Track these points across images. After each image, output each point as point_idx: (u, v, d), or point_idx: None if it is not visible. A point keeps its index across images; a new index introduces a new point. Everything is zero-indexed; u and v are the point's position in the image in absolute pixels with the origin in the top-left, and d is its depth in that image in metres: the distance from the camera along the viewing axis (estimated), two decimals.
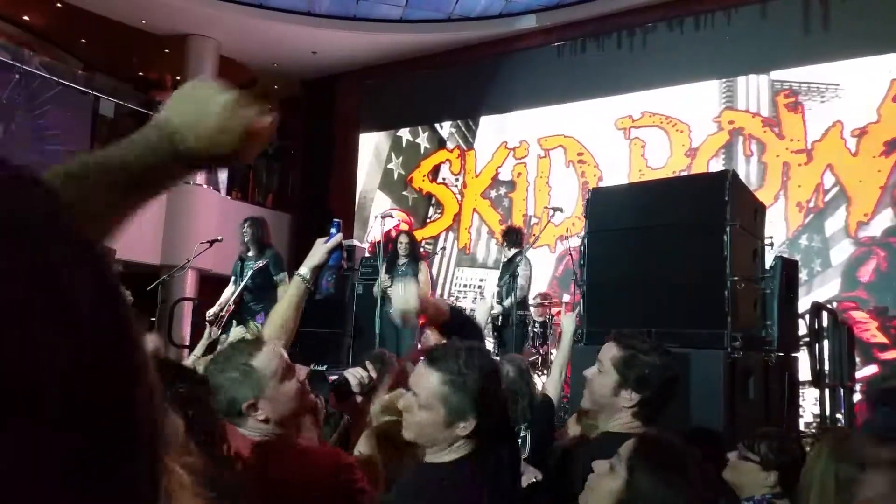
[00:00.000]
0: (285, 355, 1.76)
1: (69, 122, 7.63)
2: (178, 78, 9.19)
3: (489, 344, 6.42)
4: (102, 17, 8.68)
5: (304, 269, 2.02)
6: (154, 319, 6.75)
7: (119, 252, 5.50)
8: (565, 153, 8.65)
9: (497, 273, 6.98)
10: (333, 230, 2.09)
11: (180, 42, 9.16)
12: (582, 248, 3.37)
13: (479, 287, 8.52)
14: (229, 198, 9.49)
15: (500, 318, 6.05)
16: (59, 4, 8.71)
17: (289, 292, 2.02)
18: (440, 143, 9.72)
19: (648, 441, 1.51)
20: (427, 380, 1.59)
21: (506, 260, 6.48)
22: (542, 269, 7.95)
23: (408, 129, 10.00)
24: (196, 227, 8.15)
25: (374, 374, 2.07)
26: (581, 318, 3.27)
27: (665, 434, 1.62)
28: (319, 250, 2.04)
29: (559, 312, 6.30)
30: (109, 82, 8.98)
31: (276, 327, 1.96)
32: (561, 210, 6.40)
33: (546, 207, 7.33)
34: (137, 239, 7.83)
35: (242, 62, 9.91)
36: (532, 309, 6.36)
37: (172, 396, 1.12)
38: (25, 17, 9.67)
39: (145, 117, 8.70)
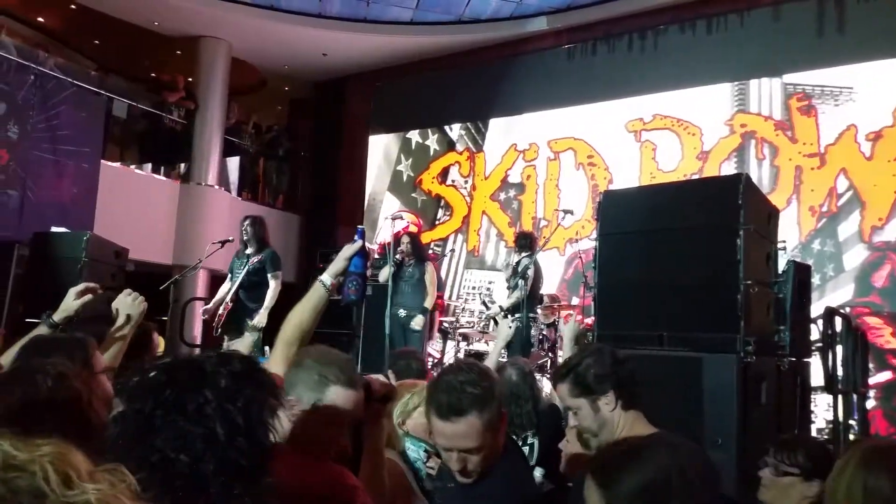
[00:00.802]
0: (356, 409, 1.70)
1: (83, 122, 7.68)
2: (191, 79, 9.23)
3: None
4: (115, 18, 8.73)
5: (326, 276, 2.02)
6: (166, 318, 6.79)
7: (132, 252, 5.55)
8: (575, 156, 8.63)
9: (497, 273, 6.97)
10: (357, 236, 2.09)
11: (192, 44, 9.20)
12: (593, 251, 3.36)
13: (489, 290, 8.48)
14: (240, 199, 9.52)
15: (502, 316, 6.05)
16: (73, 6, 8.77)
17: (308, 295, 2.02)
18: (449, 146, 9.72)
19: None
20: (471, 430, 1.61)
21: (514, 262, 6.47)
22: (552, 271, 7.93)
23: (417, 131, 10.01)
24: (207, 228, 8.20)
25: (393, 383, 2.07)
26: (593, 322, 3.26)
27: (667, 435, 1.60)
28: (341, 256, 2.05)
29: (568, 315, 6.28)
30: (122, 83, 9.04)
31: (292, 327, 1.96)
32: (571, 213, 6.38)
33: (556, 210, 7.30)
34: (150, 239, 7.88)
35: (254, 64, 9.95)
36: (539, 311, 6.34)
37: (242, 396, 1.11)
38: (40, 19, 9.75)
39: (157, 118, 8.78)
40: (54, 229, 5.83)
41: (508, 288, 6.35)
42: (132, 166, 8.39)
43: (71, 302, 2.33)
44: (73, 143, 7.45)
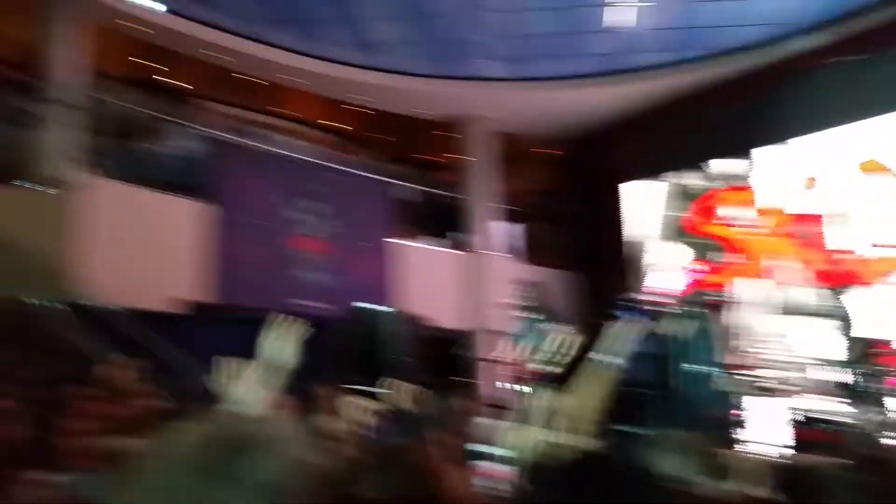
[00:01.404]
0: None
1: (374, 210, 9.00)
2: (461, 157, 10.11)
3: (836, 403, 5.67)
4: (389, 112, 10.06)
5: (610, 358, 2.09)
6: (461, 379, 7.33)
7: (435, 321, 6.21)
8: (876, 178, 7.49)
9: (802, 319, 6.31)
10: (624, 314, 2.16)
11: (457, 124, 10.12)
12: None
13: (788, 338, 7.41)
14: (518, 262, 9.96)
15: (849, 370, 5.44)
16: (351, 107, 10.25)
17: (597, 379, 2.08)
18: (718, 182, 9.18)
19: None
20: None
21: (827, 306, 5.84)
22: (870, 312, 6.77)
23: (680, 173, 9.62)
24: (491, 292, 8.85)
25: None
26: None
27: None
28: (621, 337, 2.11)
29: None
30: (403, 169, 10.23)
31: (583, 407, 2.02)
32: (883, 245, 5.61)
33: (865, 242, 6.44)
34: (442, 306, 8.64)
35: (512, 132, 10.46)
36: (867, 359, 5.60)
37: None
38: (324, 122, 11.37)
39: (437, 196, 9.84)
40: (364, 305, 6.72)
41: (841, 335, 5.71)
42: (421, 242, 9.43)
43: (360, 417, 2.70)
44: (372, 227, 8.79)
